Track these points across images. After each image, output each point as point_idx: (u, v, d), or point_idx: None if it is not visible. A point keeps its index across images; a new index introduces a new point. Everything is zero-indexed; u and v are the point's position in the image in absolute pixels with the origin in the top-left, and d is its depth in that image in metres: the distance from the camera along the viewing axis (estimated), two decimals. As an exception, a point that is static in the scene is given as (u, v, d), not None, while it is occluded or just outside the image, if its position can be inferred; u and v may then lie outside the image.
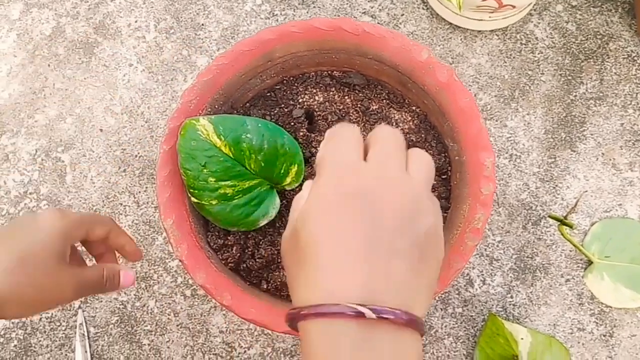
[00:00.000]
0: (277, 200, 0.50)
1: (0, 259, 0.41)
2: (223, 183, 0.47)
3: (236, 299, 0.45)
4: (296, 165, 0.48)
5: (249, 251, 0.50)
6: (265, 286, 0.49)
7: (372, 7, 0.72)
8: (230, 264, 0.49)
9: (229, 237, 0.50)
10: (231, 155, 0.48)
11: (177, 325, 0.63)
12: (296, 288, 0.34)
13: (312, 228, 0.33)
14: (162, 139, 0.48)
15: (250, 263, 0.49)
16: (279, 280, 0.49)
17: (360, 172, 0.34)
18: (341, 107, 0.53)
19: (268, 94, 0.55)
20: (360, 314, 0.31)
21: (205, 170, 0.47)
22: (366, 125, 0.53)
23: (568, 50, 0.69)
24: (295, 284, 0.34)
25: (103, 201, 0.67)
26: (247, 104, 0.54)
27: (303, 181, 0.49)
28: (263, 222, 0.49)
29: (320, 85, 0.54)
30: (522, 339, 0.59)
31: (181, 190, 0.49)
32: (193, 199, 0.48)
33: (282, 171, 0.48)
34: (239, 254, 0.49)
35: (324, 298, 0.32)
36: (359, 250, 0.32)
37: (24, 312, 0.42)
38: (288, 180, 0.49)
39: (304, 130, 0.53)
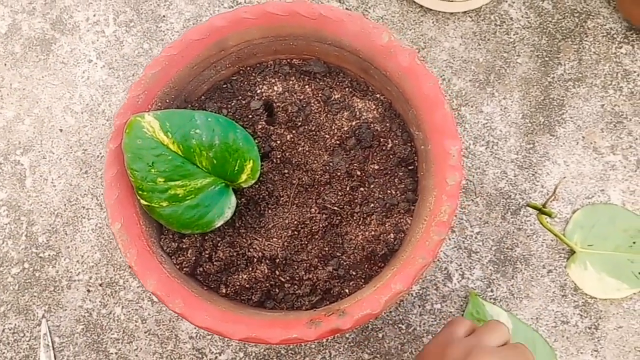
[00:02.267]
0: (233, 199, 0.47)
1: None
2: (173, 183, 0.45)
3: (189, 306, 0.42)
4: (251, 161, 0.45)
5: (206, 254, 0.47)
6: (224, 290, 0.46)
7: (340, -7, 0.68)
8: (185, 269, 0.46)
9: (184, 240, 0.47)
10: (180, 153, 0.45)
11: (145, 332, 0.61)
12: None
13: None
14: (108, 138, 0.45)
15: (207, 266, 0.47)
16: (238, 283, 0.46)
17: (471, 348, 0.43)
18: (302, 97, 0.50)
19: (224, 86, 0.52)
20: None
21: (153, 170, 0.44)
22: (328, 115, 0.50)
23: (544, 30, 0.66)
24: None
25: (65, 205, 0.64)
26: (202, 97, 0.51)
27: (260, 178, 0.47)
28: (219, 223, 0.46)
29: (279, 74, 0.51)
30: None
31: (131, 191, 0.46)
32: (142, 201, 0.45)
33: (236, 168, 0.45)
34: (194, 258, 0.46)
35: None
36: None
37: None
38: (243, 177, 0.46)
39: (263, 122, 0.50)
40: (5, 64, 0.68)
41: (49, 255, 0.63)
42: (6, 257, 0.63)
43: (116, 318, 0.61)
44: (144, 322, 0.61)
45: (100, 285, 0.62)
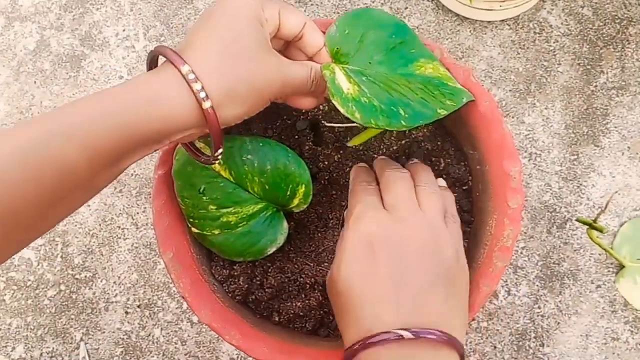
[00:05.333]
0: (285, 225, 0.45)
1: (206, 57, 0.36)
2: (225, 210, 0.43)
3: (246, 337, 0.41)
4: (303, 186, 0.44)
5: (257, 281, 0.46)
6: (277, 318, 0.45)
7: (373, 2, 0.67)
8: (237, 297, 0.45)
9: (234, 267, 0.46)
10: (232, 180, 0.43)
11: (185, 354, 0.60)
12: (343, 330, 0.38)
13: (345, 275, 0.38)
14: (156, 163, 0.44)
15: (260, 294, 0.45)
16: (292, 311, 0.45)
17: (380, 219, 0.39)
18: (348, 116, 0.49)
19: (268, 105, 0.50)
20: (400, 336, 0.35)
21: (204, 197, 0.43)
22: (376, 134, 0.49)
23: (585, 37, 0.65)
24: (342, 326, 0.38)
25: (100, 225, 0.63)
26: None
27: (312, 202, 0.45)
28: (271, 250, 0.45)
29: (325, 93, 0.50)
30: None
31: (180, 217, 0.45)
32: (193, 229, 0.44)
33: (288, 193, 0.44)
34: (246, 285, 0.45)
35: (367, 332, 0.36)
36: (388, 289, 0.37)
37: (238, 112, 0.38)
38: (295, 202, 0.45)
39: (310, 143, 0.48)
40: (35, 82, 0.67)
41: (85, 276, 0.62)
42: (42, 280, 0.62)
43: (155, 340, 0.60)
44: (183, 344, 0.60)
45: (139, 306, 0.61)
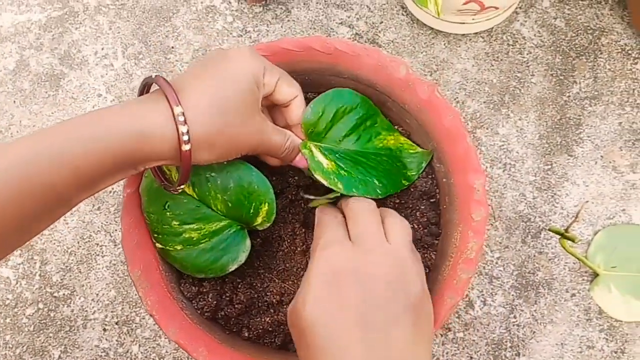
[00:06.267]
0: (248, 242, 0.46)
1: (199, 104, 0.39)
2: (187, 227, 0.44)
3: (213, 353, 0.41)
4: (267, 204, 0.44)
5: (227, 297, 0.46)
6: (246, 334, 0.46)
7: (349, 17, 0.68)
8: (206, 313, 0.45)
9: (204, 284, 0.46)
10: (195, 197, 0.44)
11: (164, 370, 0.60)
12: None
13: (310, 312, 0.36)
14: (124, 182, 0.45)
15: (229, 310, 0.46)
16: (261, 327, 0.45)
17: (346, 252, 0.38)
18: (318, 131, 0.49)
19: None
20: None
21: (168, 213, 0.43)
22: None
23: (558, 48, 0.65)
24: None
25: (78, 242, 0.63)
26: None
27: (277, 219, 0.46)
28: (232, 268, 0.45)
29: (294, 109, 0.50)
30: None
31: (149, 237, 0.45)
32: (157, 244, 0.44)
33: (251, 211, 0.45)
34: (215, 301, 0.46)
35: None
36: (354, 327, 0.36)
37: (211, 158, 0.41)
38: (259, 220, 0.45)
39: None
40: (14, 101, 0.68)
41: (64, 294, 0.62)
42: (20, 298, 0.62)
43: (134, 357, 0.60)
44: (161, 359, 0.60)
45: (117, 323, 0.61)
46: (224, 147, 0.40)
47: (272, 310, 0.46)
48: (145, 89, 0.42)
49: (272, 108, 0.48)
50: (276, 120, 0.48)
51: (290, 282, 0.47)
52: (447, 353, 0.59)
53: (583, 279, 0.60)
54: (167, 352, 0.60)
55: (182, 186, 0.42)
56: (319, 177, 0.43)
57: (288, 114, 0.46)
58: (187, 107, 0.38)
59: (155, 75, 0.40)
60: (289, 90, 0.44)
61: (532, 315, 0.59)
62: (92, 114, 0.38)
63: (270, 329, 0.45)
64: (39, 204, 0.36)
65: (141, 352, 0.60)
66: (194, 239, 0.44)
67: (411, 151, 0.48)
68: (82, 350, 0.61)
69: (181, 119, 0.37)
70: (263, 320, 0.45)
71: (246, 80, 0.40)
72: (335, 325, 0.36)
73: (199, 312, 0.45)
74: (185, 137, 0.38)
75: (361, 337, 0.35)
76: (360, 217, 0.41)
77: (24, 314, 0.62)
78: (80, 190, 0.37)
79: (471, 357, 0.58)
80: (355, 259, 0.38)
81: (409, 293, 0.37)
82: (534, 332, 0.59)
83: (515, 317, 0.59)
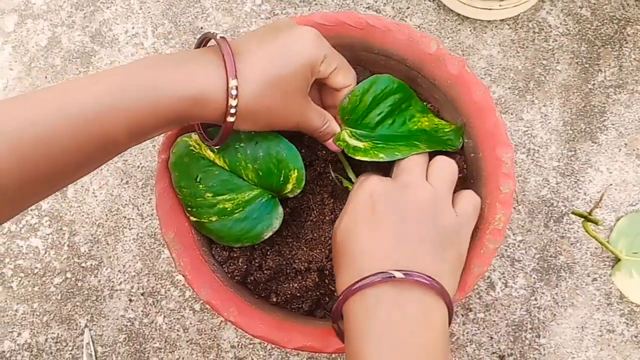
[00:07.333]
0: (280, 210, 0.47)
1: (252, 77, 0.40)
2: (221, 197, 0.45)
3: (243, 314, 0.42)
4: (296, 171, 0.45)
5: (256, 263, 0.47)
6: (274, 299, 0.46)
7: (375, 2, 0.69)
8: (236, 277, 0.46)
9: (234, 249, 0.47)
10: (227, 168, 0.45)
11: (187, 342, 0.61)
12: (339, 276, 0.40)
13: (345, 225, 0.41)
14: (159, 149, 0.46)
15: (258, 275, 0.47)
16: (289, 292, 0.46)
17: (385, 182, 0.42)
18: (348, 106, 0.50)
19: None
20: (391, 276, 0.36)
21: (201, 185, 0.44)
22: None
23: (584, 37, 0.66)
24: (338, 272, 0.40)
25: (106, 215, 0.65)
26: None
27: (305, 187, 0.47)
28: (267, 235, 0.46)
29: (325, 84, 0.51)
30: None
31: (181, 202, 0.46)
32: (192, 217, 0.45)
33: (281, 179, 0.46)
34: (245, 266, 0.47)
35: (360, 276, 0.37)
36: (388, 238, 0.39)
37: (250, 128, 0.43)
38: (289, 187, 0.46)
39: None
40: (46, 77, 0.69)
41: (91, 265, 0.63)
42: (49, 267, 0.64)
43: (158, 327, 0.62)
44: (185, 331, 0.61)
45: (142, 294, 0.62)
46: (265, 122, 0.42)
47: (299, 277, 0.47)
48: (203, 42, 0.44)
49: (323, 86, 0.48)
50: (324, 99, 0.49)
51: (317, 251, 0.48)
52: (467, 332, 0.59)
53: (604, 264, 0.60)
54: (191, 323, 0.61)
55: (217, 146, 0.44)
56: (360, 157, 0.45)
57: (337, 98, 0.47)
58: (240, 78, 0.39)
59: (221, 37, 0.41)
60: (342, 81, 0.46)
61: (553, 298, 0.59)
62: (147, 69, 0.39)
63: (298, 294, 0.46)
64: (101, 151, 0.38)
65: (165, 323, 0.61)
66: (228, 209, 0.45)
67: (447, 129, 0.49)
68: (108, 319, 0.62)
69: (234, 92, 0.39)
70: (291, 286, 0.46)
71: (302, 65, 0.42)
72: (366, 235, 0.39)
73: (229, 275, 0.46)
74: (233, 111, 0.39)
75: (390, 245, 0.38)
76: (404, 161, 0.44)
77: (52, 283, 0.63)
78: (135, 141, 0.39)
79: (491, 337, 0.59)
80: (391, 188, 0.41)
81: (439, 224, 0.40)
82: (555, 314, 0.59)
83: (536, 299, 0.60)
